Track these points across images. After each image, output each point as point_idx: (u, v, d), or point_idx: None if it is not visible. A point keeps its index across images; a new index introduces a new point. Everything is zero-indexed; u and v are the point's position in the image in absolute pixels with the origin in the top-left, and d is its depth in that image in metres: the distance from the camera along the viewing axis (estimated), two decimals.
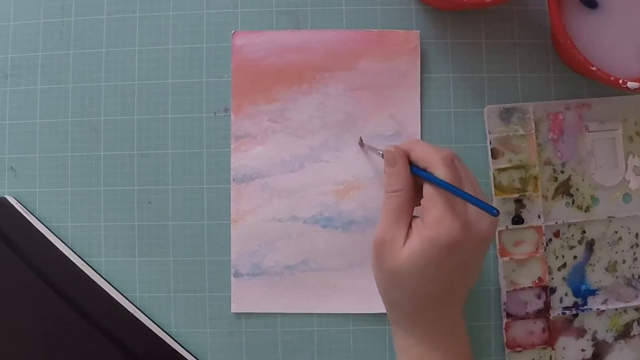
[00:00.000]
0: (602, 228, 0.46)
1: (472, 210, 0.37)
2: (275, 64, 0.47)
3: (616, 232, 0.46)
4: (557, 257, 0.46)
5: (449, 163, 0.37)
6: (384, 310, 0.45)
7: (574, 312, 0.46)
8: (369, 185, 0.46)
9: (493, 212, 0.34)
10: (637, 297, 0.46)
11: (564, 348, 0.46)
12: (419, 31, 0.47)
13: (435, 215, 0.36)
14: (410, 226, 0.37)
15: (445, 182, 0.35)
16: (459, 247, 0.36)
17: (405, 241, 0.37)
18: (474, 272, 0.39)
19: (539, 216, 0.46)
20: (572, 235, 0.46)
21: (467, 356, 0.39)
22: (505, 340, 0.46)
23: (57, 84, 0.48)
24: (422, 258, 0.36)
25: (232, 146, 0.47)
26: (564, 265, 0.46)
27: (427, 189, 0.37)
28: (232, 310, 0.46)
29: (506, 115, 0.46)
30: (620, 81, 0.41)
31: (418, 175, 0.38)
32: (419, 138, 0.46)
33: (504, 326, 0.46)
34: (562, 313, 0.46)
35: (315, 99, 0.47)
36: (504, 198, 0.46)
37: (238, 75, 0.47)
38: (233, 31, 0.47)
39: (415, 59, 0.47)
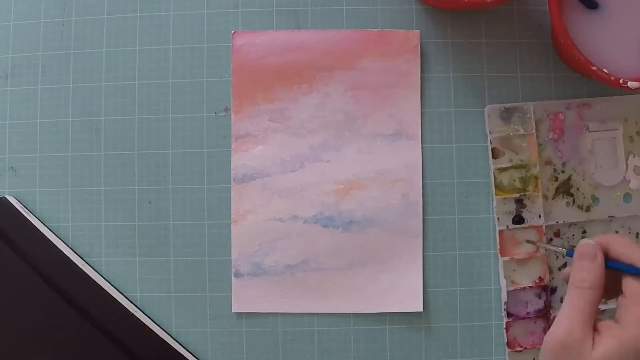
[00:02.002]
0: (603, 228, 0.46)
1: None
2: (275, 63, 0.47)
3: (617, 231, 0.46)
4: (557, 257, 0.46)
5: None
6: (384, 310, 0.45)
7: None
8: (370, 185, 0.46)
9: None
10: None
11: None
12: (419, 31, 0.47)
13: (637, 315, 0.33)
14: (594, 328, 0.34)
15: None
16: None
17: (593, 344, 0.33)
18: None
19: (540, 216, 0.46)
20: (573, 235, 0.46)
21: None
22: (505, 339, 0.46)
23: (57, 84, 0.48)
24: None
25: (232, 146, 0.47)
26: (565, 265, 0.46)
27: (631, 285, 0.34)
28: (233, 310, 0.46)
29: (507, 115, 0.46)
30: (621, 81, 0.41)
31: (623, 271, 0.35)
32: (419, 137, 0.46)
33: (504, 326, 0.46)
34: None
35: (315, 98, 0.47)
36: (504, 198, 0.46)
37: (238, 75, 0.47)
38: (233, 31, 0.47)
39: (415, 58, 0.47)
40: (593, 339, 0.33)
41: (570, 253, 0.37)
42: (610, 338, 0.33)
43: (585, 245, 0.36)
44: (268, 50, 0.47)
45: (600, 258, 0.35)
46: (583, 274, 0.35)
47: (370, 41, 0.47)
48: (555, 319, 0.35)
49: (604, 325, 0.34)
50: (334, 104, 0.46)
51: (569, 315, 0.34)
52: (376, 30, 0.47)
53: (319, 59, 0.47)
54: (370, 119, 0.46)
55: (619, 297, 0.35)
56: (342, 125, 0.47)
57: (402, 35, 0.47)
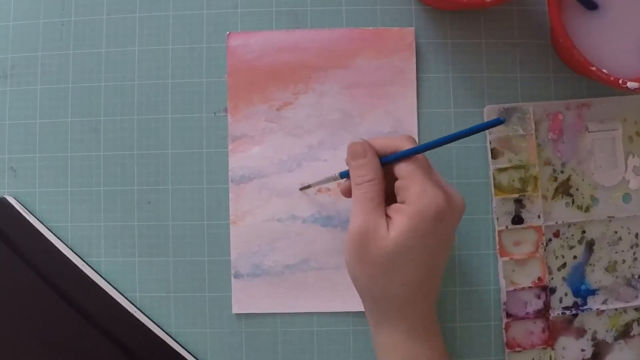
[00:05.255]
0: (602, 228, 0.46)
1: (446, 183, 0.39)
2: (270, 64, 0.47)
3: (616, 232, 0.46)
4: (556, 257, 0.46)
5: (413, 140, 0.39)
6: None
7: (574, 312, 0.46)
8: None
9: (500, 119, 0.35)
10: (636, 297, 0.46)
11: (563, 348, 0.46)
12: (413, 28, 0.47)
13: (417, 189, 0.37)
14: (386, 215, 0.38)
15: (427, 143, 0.37)
16: (445, 217, 0.37)
17: (387, 227, 0.37)
18: (450, 249, 0.40)
19: (539, 216, 0.46)
20: (572, 235, 0.46)
21: (447, 355, 0.40)
22: (505, 340, 0.45)
23: (57, 84, 0.48)
24: (412, 235, 0.36)
25: (229, 147, 0.47)
26: (564, 265, 0.46)
27: (403, 168, 0.38)
28: (233, 312, 0.46)
29: (506, 115, 0.46)
30: (620, 81, 0.41)
31: (391, 161, 0.38)
32: (416, 136, 0.46)
33: (503, 326, 0.45)
34: (561, 313, 0.46)
35: (311, 98, 0.47)
36: (503, 198, 0.46)
37: (234, 76, 0.47)
38: (228, 32, 0.47)
39: (410, 55, 0.47)
40: (387, 224, 0.37)
41: (343, 174, 0.41)
42: (400, 216, 0.37)
43: (354, 144, 0.39)
44: (263, 50, 0.47)
45: (370, 152, 0.39)
46: (360, 171, 0.39)
47: (365, 39, 0.47)
48: (350, 218, 0.38)
49: (393, 208, 0.38)
50: (330, 103, 0.46)
51: (360, 209, 0.38)
52: (370, 28, 0.47)
53: (314, 59, 0.47)
54: (367, 117, 0.46)
55: (396, 183, 0.38)
56: (339, 124, 0.47)
57: (397, 33, 0.47)
